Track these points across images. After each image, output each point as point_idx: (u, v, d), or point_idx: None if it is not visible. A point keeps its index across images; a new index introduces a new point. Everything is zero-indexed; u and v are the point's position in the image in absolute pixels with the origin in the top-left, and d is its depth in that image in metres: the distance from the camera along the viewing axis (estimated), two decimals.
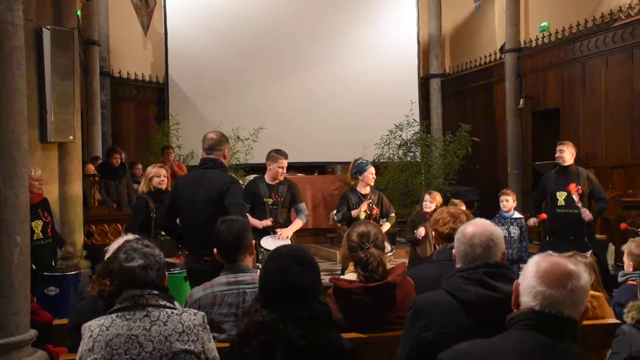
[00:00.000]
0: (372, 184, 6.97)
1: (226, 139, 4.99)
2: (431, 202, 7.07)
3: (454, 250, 2.69)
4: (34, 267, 5.69)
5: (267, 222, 5.97)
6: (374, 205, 6.82)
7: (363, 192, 6.90)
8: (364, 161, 7.05)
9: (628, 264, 4.27)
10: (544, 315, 1.93)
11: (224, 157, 4.88)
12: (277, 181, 6.25)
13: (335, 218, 6.99)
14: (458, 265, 2.64)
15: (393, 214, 7.01)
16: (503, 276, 2.52)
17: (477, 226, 2.64)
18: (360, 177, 6.92)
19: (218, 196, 4.60)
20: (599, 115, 11.27)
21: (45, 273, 5.80)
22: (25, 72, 3.78)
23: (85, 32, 12.28)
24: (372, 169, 6.94)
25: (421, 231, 6.89)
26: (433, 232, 3.53)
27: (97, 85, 12.80)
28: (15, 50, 3.58)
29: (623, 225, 6.83)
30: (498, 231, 2.66)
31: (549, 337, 1.91)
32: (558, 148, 7.12)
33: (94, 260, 7.17)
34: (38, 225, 6.16)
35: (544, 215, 7.20)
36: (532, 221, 7.27)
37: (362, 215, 6.66)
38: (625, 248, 4.38)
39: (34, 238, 6.05)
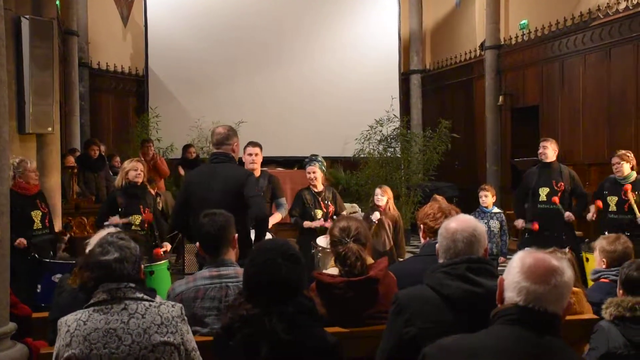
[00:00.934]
0: (315, 183, 6.77)
1: (235, 132, 4.95)
2: (382, 195, 7.06)
3: (437, 245, 2.71)
4: (36, 256, 5.68)
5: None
6: (329, 203, 6.77)
7: (316, 190, 6.78)
8: (310, 158, 6.93)
9: (600, 261, 4.23)
10: (528, 310, 1.95)
11: (232, 150, 4.86)
12: (257, 174, 6.23)
13: (291, 221, 6.84)
14: (441, 260, 2.66)
15: (345, 212, 6.98)
16: (485, 271, 2.54)
17: (460, 222, 2.66)
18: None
19: (237, 189, 4.57)
20: (577, 112, 11.39)
21: (51, 260, 5.78)
22: (5, 62, 3.72)
23: (64, 22, 12.11)
24: (310, 168, 6.78)
25: (376, 215, 6.81)
26: (422, 226, 3.54)
27: (75, 76, 12.64)
28: None
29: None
30: (481, 227, 2.68)
31: (532, 332, 1.93)
32: (541, 144, 7.17)
33: (72, 253, 7.12)
34: (37, 215, 6.15)
35: (535, 226, 7.14)
36: (520, 223, 7.27)
37: (319, 214, 6.64)
38: (596, 245, 4.35)
39: (34, 228, 6.10)
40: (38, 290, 5.32)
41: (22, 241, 5.77)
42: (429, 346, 2.02)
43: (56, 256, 6.38)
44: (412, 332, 2.48)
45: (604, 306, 3.33)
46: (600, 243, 4.26)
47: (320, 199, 6.73)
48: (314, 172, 6.76)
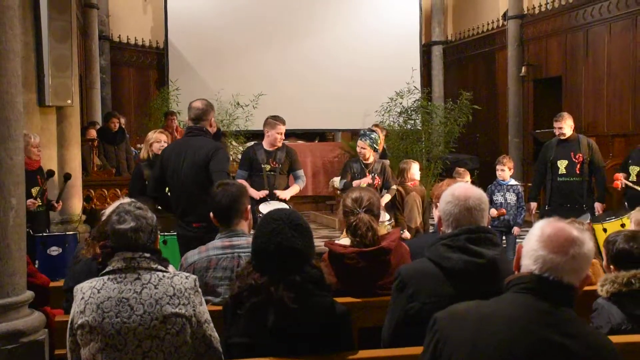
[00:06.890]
0: (361, 155, 6.81)
1: (211, 107, 4.90)
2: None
3: (437, 213, 2.67)
4: (30, 232, 5.71)
5: (263, 193, 5.95)
6: (375, 175, 6.76)
7: (365, 162, 6.79)
8: (363, 132, 6.94)
9: None
10: (542, 279, 1.90)
11: (210, 125, 4.84)
12: (275, 147, 6.20)
13: (338, 186, 6.96)
14: (443, 229, 2.63)
15: (394, 186, 6.95)
16: (486, 240, 2.51)
17: (464, 190, 2.63)
18: None
19: (204, 162, 4.53)
20: (601, 83, 11.19)
21: (43, 234, 5.81)
22: (19, 32, 3.72)
23: None
24: (360, 143, 6.82)
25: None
26: (437, 203, 3.50)
27: (96, 50, 12.68)
28: (8, 10, 3.52)
29: (616, 180, 6.78)
30: (485, 197, 2.65)
31: (545, 302, 1.89)
32: (555, 125, 7.03)
33: (93, 225, 7.18)
34: (36, 191, 6.16)
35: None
36: (532, 206, 7.21)
37: (364, 185, 6.63)
38: (632, 217, 4.27)
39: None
40: (36, 266, 5.33)
41: (32, 202, 5.82)
42: (440, 312, 2.00)
43: (49, 230, 6.42)
44: (416, 307, 2.49)
45: (599, 284, 3.21)
46: (636, 215, 4.18)
47: (367, 170, 6.74)
48: (363, 148, 6.81)
